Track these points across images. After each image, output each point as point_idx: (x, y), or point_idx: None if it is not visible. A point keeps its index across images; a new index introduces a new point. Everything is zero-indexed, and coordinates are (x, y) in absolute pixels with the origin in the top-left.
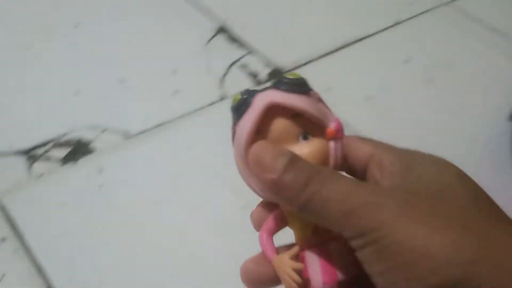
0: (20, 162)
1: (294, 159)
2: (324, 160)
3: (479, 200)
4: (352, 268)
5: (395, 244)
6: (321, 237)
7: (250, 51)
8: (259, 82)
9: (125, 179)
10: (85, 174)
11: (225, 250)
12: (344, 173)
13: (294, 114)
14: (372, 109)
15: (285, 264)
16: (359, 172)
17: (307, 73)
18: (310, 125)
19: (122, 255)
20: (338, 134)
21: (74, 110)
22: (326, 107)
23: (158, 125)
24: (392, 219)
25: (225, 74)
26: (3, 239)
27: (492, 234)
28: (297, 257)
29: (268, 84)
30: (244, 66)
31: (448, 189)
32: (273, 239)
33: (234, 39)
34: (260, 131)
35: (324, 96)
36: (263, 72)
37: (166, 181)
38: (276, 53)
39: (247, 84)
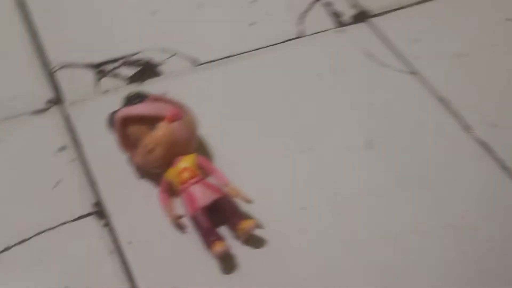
0: (89, 76)
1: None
2: (173, 136)
3: None
4: (209, 196)
5: None
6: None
7: None
8: (341, 24)
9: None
10: None
11: None
12: None
13: (139, 118)
14: (460, 67)
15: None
16: None
17: (394, 20)
18: (154, 119)
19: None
20: (175, 117)
21: (149, 30)
22: (167, 101)
23: (228, 56)
24: None
25: (306, 11)
26: (63, 148)
27: None
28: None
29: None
30: (328, 4)
31: None
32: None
33: None
34: (126, 136)
35: (409, 47)
36: (348, 13)
37: (228, 114)
38: None
39: (328, 24)
